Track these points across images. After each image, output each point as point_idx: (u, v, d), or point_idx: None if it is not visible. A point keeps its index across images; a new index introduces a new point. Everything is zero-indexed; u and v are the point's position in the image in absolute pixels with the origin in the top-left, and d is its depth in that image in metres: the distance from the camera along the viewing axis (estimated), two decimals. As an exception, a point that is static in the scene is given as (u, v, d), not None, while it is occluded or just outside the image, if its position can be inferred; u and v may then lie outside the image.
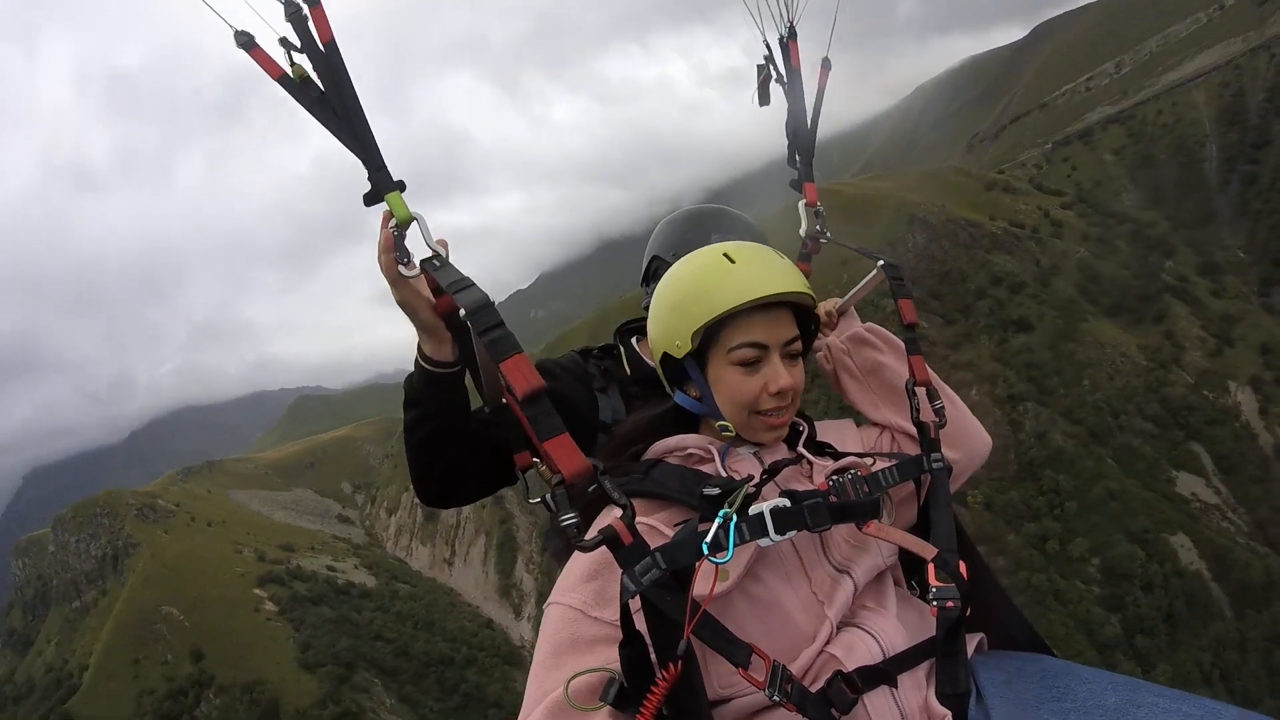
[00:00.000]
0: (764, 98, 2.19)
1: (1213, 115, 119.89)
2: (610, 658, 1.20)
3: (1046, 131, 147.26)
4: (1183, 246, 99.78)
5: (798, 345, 1.52)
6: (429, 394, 1.71)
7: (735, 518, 1.23)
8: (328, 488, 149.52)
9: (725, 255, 1.50)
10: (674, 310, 1.51)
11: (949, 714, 1.26)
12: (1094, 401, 74.45)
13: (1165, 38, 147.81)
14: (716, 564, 1.19)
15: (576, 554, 1.38)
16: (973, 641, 1.44)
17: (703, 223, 2.12)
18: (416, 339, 1.71)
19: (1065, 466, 69.36)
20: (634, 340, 2.21)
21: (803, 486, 1.44)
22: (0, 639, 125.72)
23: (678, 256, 1.65)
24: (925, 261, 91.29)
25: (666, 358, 1.55)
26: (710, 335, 1.48)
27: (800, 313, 1.55)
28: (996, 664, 1.39)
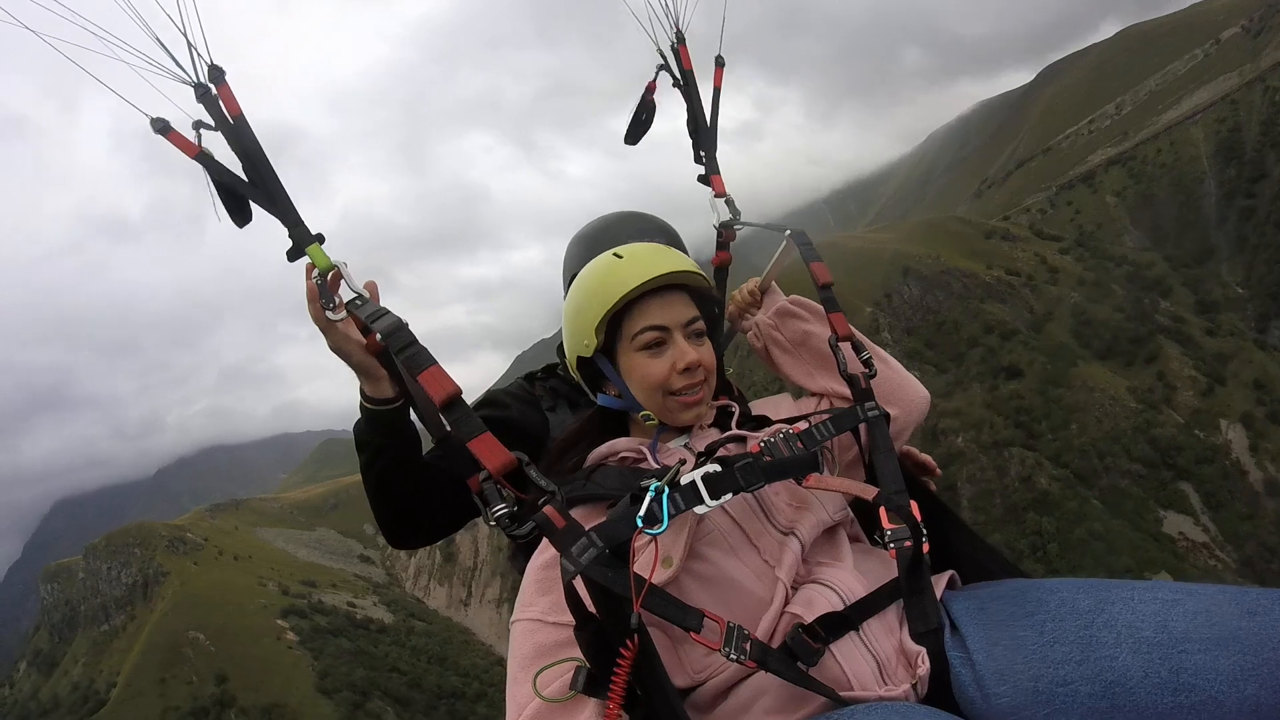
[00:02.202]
0: (634, 136, 2.35)
1: (1210, 151, 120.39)
2: (575, 656, 1.19)
3: (1052, 175, 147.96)
4: (1179, 286, 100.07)
5: (699, 325, 1.56)
6: (374, 432, 1.71)
7: (667, 489, 1.22)
8: (350, 528, 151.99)
9: (614, 254, 1.57)
10: (577, 314, 1.56)
11: (923, 650, 1.25)
12: (1081, 444, 74.76)
13: (1164, 76, 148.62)
14: (653, 535, 1.17)
15: (527, 572, 1.39)
16: (943, 579, 1.43)
17: (605, 235, 2.10)
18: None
19: (1050, 509, 69.73)
20: None
21: None
22: (25, 659, 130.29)
23: None
24: (920, 312, 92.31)
25: (581, 362, 1.60)
26: (613, 329, 1.53)
27: (699, 296, 1.59)
28: (968, 594, 1.37)
